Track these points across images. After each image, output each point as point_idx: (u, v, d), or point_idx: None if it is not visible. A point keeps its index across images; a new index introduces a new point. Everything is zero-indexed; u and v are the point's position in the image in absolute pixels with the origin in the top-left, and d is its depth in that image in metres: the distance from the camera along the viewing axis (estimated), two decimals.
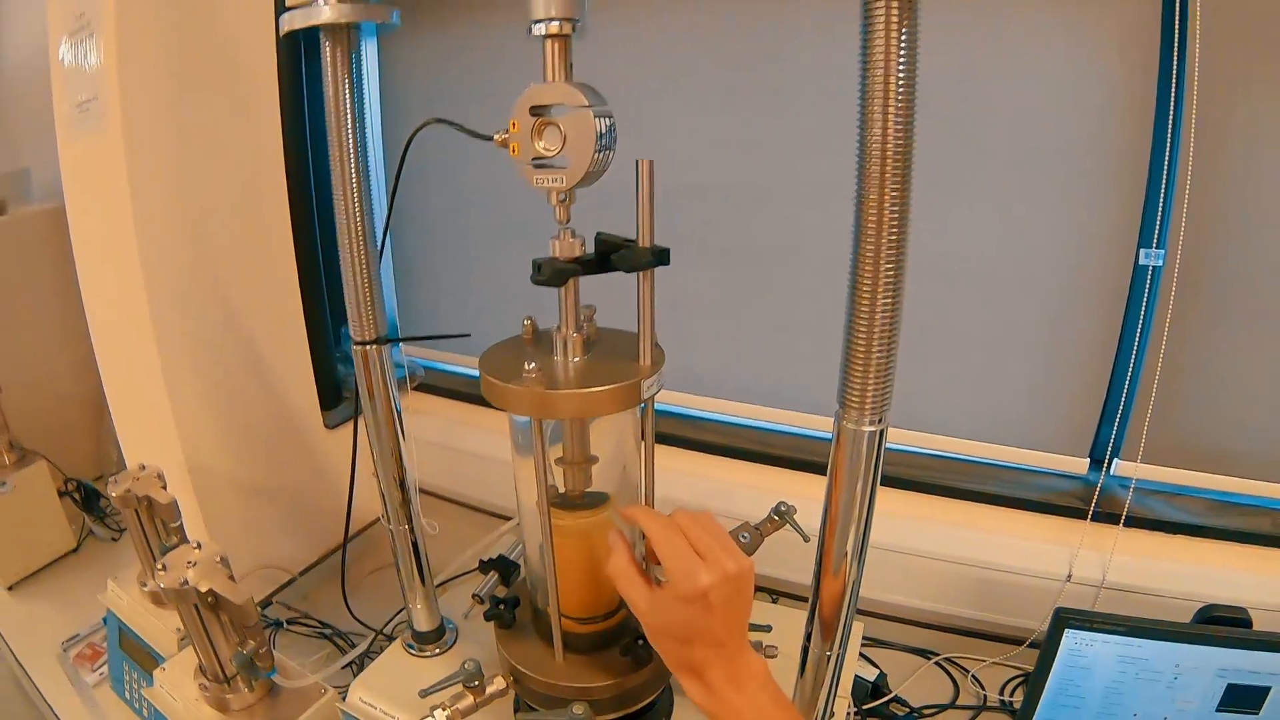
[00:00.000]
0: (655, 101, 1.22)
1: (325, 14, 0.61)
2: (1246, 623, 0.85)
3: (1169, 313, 1.00)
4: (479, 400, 0.61)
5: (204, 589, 0.81)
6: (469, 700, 0.67)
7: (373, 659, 0.89)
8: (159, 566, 0.83)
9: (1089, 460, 1.13)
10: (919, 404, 1.20)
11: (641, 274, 0.58)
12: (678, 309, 1.29)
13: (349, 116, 0.65)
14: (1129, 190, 1.01)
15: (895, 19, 0.43)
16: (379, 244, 0.73)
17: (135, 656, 1.02)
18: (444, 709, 0.67)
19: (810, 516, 0.65)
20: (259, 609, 1.13)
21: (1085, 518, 1.08)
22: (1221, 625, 0.85)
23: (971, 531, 1.13)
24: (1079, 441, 1.13)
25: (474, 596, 0.82)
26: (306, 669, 0.93)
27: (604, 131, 0.55)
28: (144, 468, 1.00)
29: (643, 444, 0.65)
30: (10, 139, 1.54)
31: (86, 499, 1.37)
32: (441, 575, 1.05)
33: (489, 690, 0.68)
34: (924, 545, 1.13)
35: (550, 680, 0.67)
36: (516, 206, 1.32)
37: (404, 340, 1.02)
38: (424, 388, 1.52)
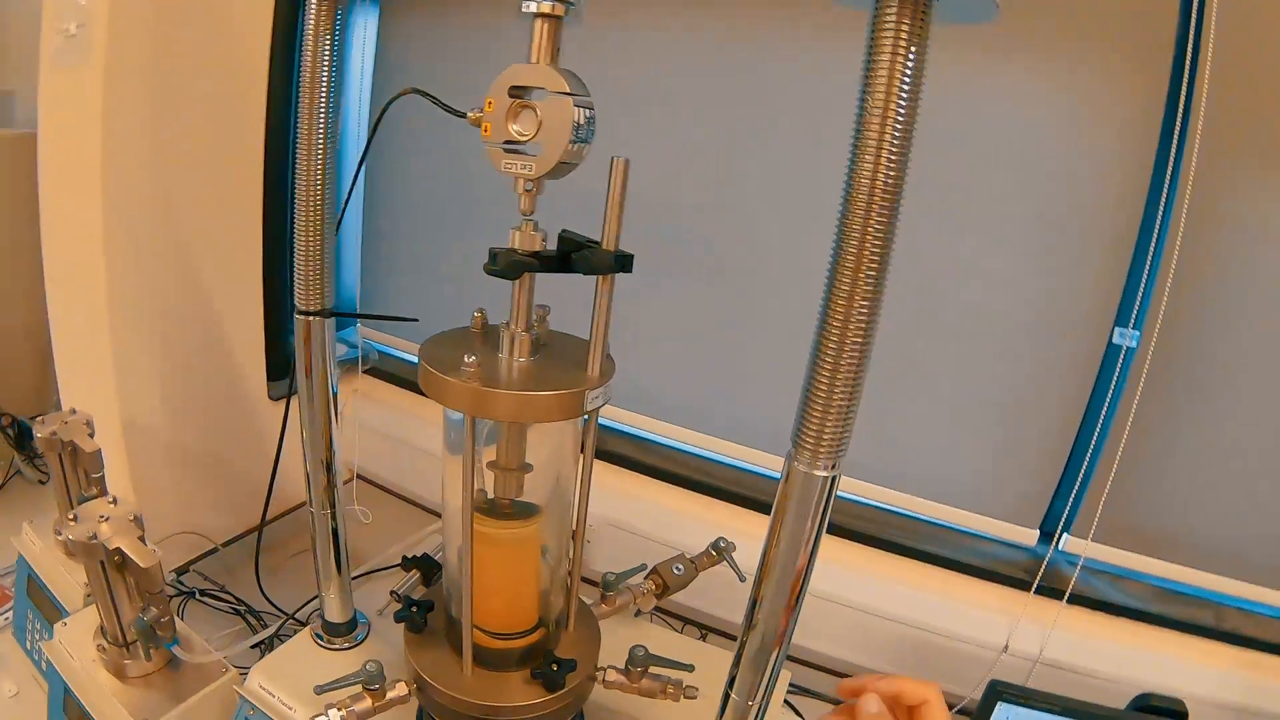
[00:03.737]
0: (633, 111, 1.17)
1: None
2: (1183, 715, 0.81)
3: (1137, 395, 0.96)
4: None
5: (112, 546, 0.75)
6: (367, 703, 0.62)
7: (282, 642, 0.83)
8: (70, 517, 0.77)
9: (1039, 532, 1.09)
10: (872, 454, 1.15)
11: (601, 278, 0.53)
12: (638, 325, 1.24)
13: (325, 69, 0.60)
14: (1112, 267, 0.98)
15: (904, 37, 0.39)
16: (338, 212, 0.68)
17: (41, 606, 0.96)
18: (339, 709, 0.61)
19: (750, 555, 0.60)
20: (170, 576, 1.07)
21: (1029, 590, 1.04)
22: (1158, 715, 0.80)
23: (911, 590, 1.08)
24: (1031, 512, 1.09)
25: (392, 594, 0.77)
26: (213, 644, 0.87)
27: (582, 123, 0.51)
28: (75, 412, 0.93)
29: (581, 458, 0.60)
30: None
31: (19, 436, 1.29)
32: (365, 566, 0.99)
33: (389, 695, 0.63)
34: (861, 598, 1.08)
35: (454, 694, 0.61)
36: (495, 202, 1.26)
37: (349, 316, 0.97)
38: (375, 372, 1.46)
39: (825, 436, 0.48)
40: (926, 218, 1.03)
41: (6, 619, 1.04)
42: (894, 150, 0.41)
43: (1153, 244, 0.94)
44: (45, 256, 1.03)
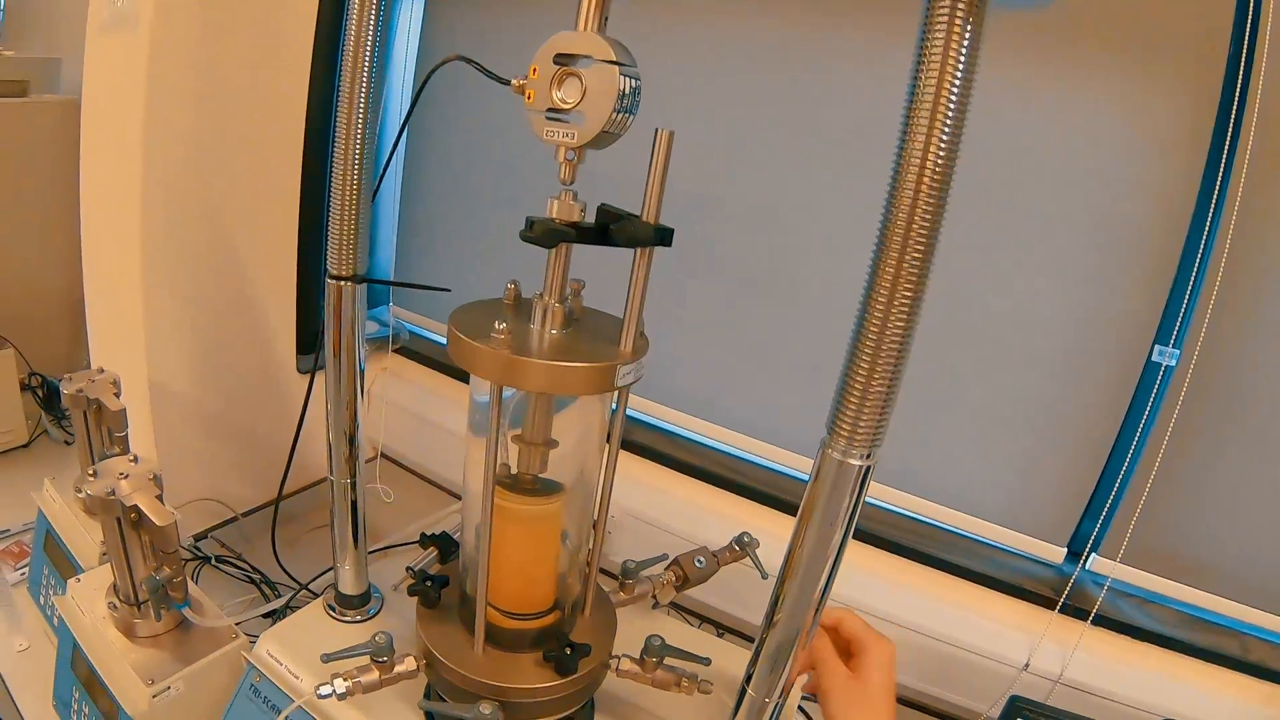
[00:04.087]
0: (681, 101, 1.15)
1: None
2: None
3: (1174, 414, 0.93)
4: (458, 373, 0.55)
5: (129, 503, 0.75)
6: (374, 675, 0.60)
7: (294, 613, 0.82)
8: (90, 472, 0.77)
9: (1066, 550, 1.06)
10: (901, 462, 1.13)
11: (639, 252, 0.51)
12: (674, 319, 1.22)
13: (370, 30, 0.59)
14: (1154, 284, 0.95)
15: (959, 21, 0.37)
16: (376, 179, 0.67)
17: (57, 562, 0.96)
18: (345, 679, 0.60)
19: (774, 554, 0.59)
20: (188, 541, 1.07)
21: (1053, 608, 1.01)
22: None
23: (934, 601, 1.06)
24: (1059, 529, 1.06)
25: (408, 569, 0.75)
26: (226, 611, 0.86)
27: (627, 92, 0.49)
28: (102, 371, 0.94)
29: (607, 447, 0.58)
30: (50, 27, 1.48)
31: (49, 397, 1.30)
32: (384, 542, 0.98)
33: (397, 669, 0.61)
34: (883, 605, 1.05)
35: (464, 671, 0.60)
36: (538, 178, 1.23)
37: (380, 283, 0.96)
38: (405, 351, 1.44)
39: (862, 424, 0.46)
40: (966, 229, 1.00)
41: (23, 574, 1.04)
42: (947, 127, 0.39)
43: (1197, 261, 0.92)
44: (83, 220, 1.03)
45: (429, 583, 0.65)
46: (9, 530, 1.10)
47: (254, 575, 1.05)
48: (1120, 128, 0.92)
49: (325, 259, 0.67)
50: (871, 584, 1.07)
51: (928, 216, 0.40)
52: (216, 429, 1.12)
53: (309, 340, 1.20)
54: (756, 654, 0.56)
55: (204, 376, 1.08)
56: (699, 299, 1.21)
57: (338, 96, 0.62)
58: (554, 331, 0.55)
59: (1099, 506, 1.02)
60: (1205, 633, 0.99)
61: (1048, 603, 1.01)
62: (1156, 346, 0.96)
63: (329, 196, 0.65)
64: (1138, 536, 0.98)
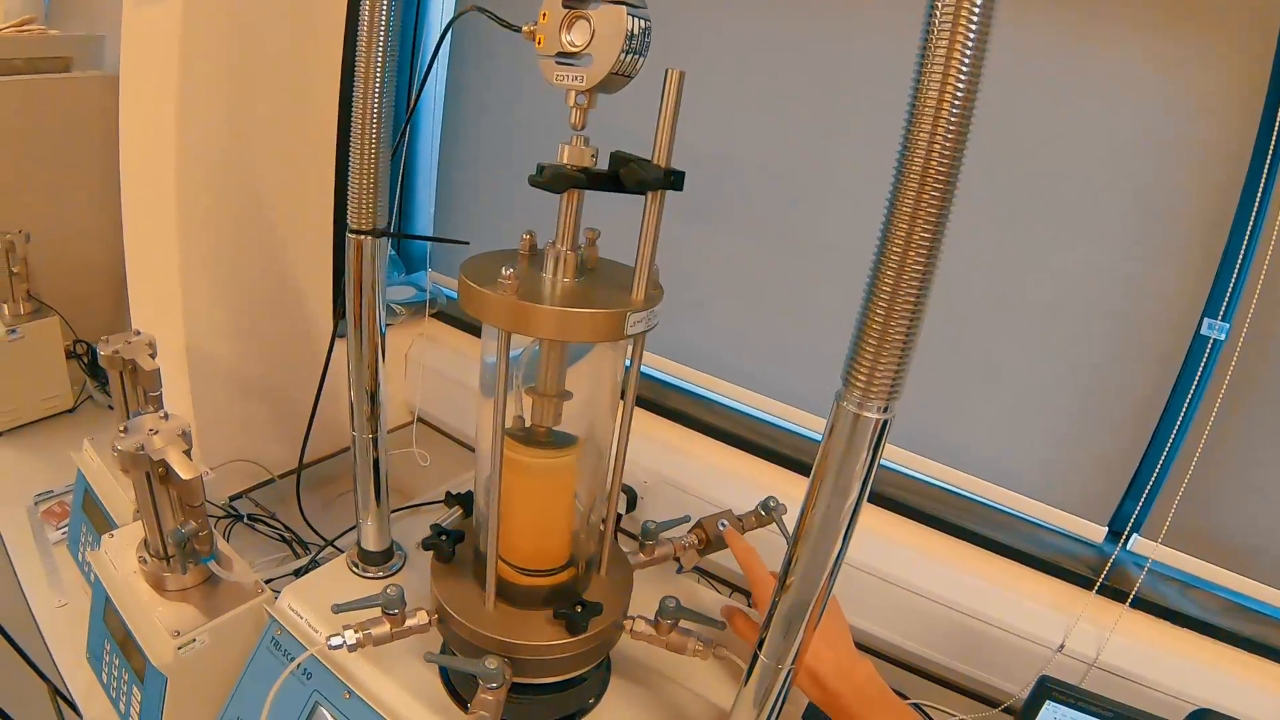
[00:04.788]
0: (701, 55, 1.11)
1: None
2: None
3: (1222, 391, 0.89)
4: None
5: (157, 458, 0.75)
6: (385, 628, 0.60)
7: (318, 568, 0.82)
8: (122, 429, 0.77)
9: (1107, 529, 1.01)
10: (939, 432, 1.09)
11: (650, 197, 0.49)
12: (700, 280, 1.20)
13: None
14: (1203, 256, 0.89)
15: None
16: (399, 134, 0.66)
17: (94, 520, 0.97)
18: (356, 631, 0.59)
19: None
20: (223, 500, 1.08)
21: (1091, 589, 0.96)
22: None
23: (968, 576, 1.02)
24: (1100, 508, 1.01)
25: (432, 527, 0.75)
26: (257, 568, 0.87)
27: (636, 32, 0.47)
28: (139, 333, 0.94)
29: (622, 404, 0.56)
30: (94, 6, 1.51)
31: (93, 363, 1.32)
32: (412, 501, 0.97)
33: (409, 622, 0.60)
34: (914, 578, 1.02)
35: (473, 626, 0.59)
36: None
37: (398, 236, 0.95)
38: (442, 316, 1.44)
39: (879, 374, 0.43)
40: (1005, 198, 0.96)
41: (64, 533, 1.07)
42: (971, 37, 0.36)
43: (1249, 229, 0.86)
44: (123, 189, 1.04)
45: (444, 537, 0.64)
46: (52, 491, 1.12)
47: (285, 534, 1.06)
48: (1166, 85, 0.87)
49: None
50: (903, 556, 1.04)
51: (948, 145, 0.37)
52: (253, 392, 1.13)
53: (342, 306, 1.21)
54: (769, 619, 0.53)
55: (241, 340, 1.09)
56: (725, 258, 1.18)
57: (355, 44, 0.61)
58: (566, 280, 0.53)
59: (1142, 485, 0.97)
60: (1249, 621, 0.94)
61: (1085, 583, 0.97)
62: (1205, 320, 0.91)
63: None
64: (1181, 517, 0.94)
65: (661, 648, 0.63)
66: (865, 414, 0.45)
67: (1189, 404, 0.92)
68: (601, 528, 0.66)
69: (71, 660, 0.91)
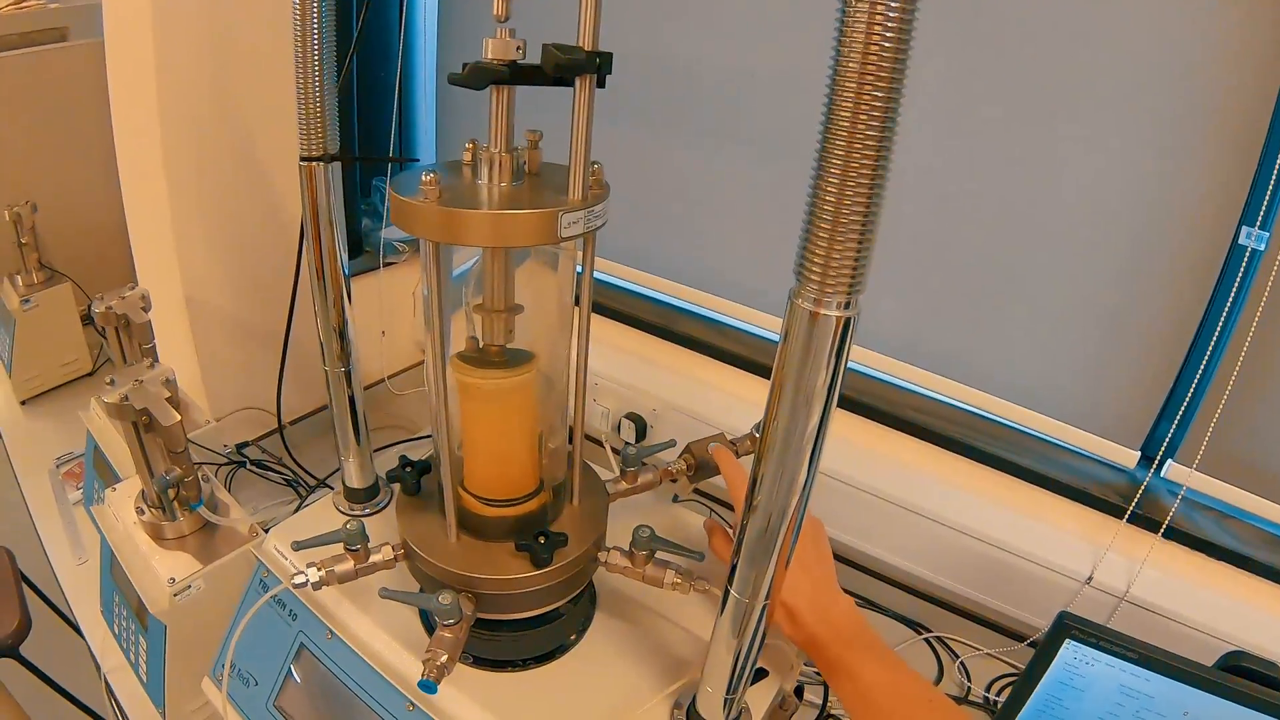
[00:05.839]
0: None
1: None
2: (1275, 682, 0.64)
3: (1261, 305, 0.80)
4: None
5: (139, 407, 0.73)
6: (349, 564, 0.57)
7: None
8: (108, 381, 0.76)
9: (1139, 455, 0.94)
10: (959, 351, 1.02)
11: (579, 85, 0.44)
12: (709, 201, 1.14)
13: None
14: (1240, 159, 0.80)
15: None
16: (347, 55, 0.61)
17: (103, 475, 0.98)
18: (320, 569, 0.56)
19: None
20: (229, 448, 1.07)
21: (1121, 517, 0.89)
22: (1248, 679, 0.64)
23: (992, 504, 0.96)
24: (1132, 431, 0.93)
25: (400, 458, 0.72)
26: (260, 512, 0.86)
27: None
28: (132, 288, 0.93)
29: (577, 309, 0.52)
30: None
31: None
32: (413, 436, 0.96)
33: (373, 559, 0.57)
34: (936, 507, 0.96)
35: (433, 560, 0.55)
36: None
37: (347, 160, 0.91)
38: None
39: (834, 262, 0.37)
40: (1028, 101, 0.88)
41: (81, 492, 1.07)
42: None
43: None
44: (118, 152, 1.03)
45: (409, 468, 0.61)
46: (72, 453, 1.13)
47: (290, 478, 1.05)
48: None
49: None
50: (923, 483, 0.98)
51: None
52: (257, 340, 1.11)
53: (351, 245, 1.18)
54: (738, 546, 0.48)
55: (240, 289, 1.07)
56: (733, 177, 1.12)
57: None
58: (502, 185, 0.48)
59: (1176, 407, 0.89)
60: None
61: (1116, 511, 0.90)
62: (1243, 228, 0.82)
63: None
64: (1218, 442, 0.86)
65: (638, 580, 0.59)
66: (823, 311, 0.38)
67: (1225, 319, 0.84)
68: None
69: (90, 615, 0.92)
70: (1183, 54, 0.80)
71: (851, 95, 0.33)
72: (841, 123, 0.33)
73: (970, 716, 0.88)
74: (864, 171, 0.34)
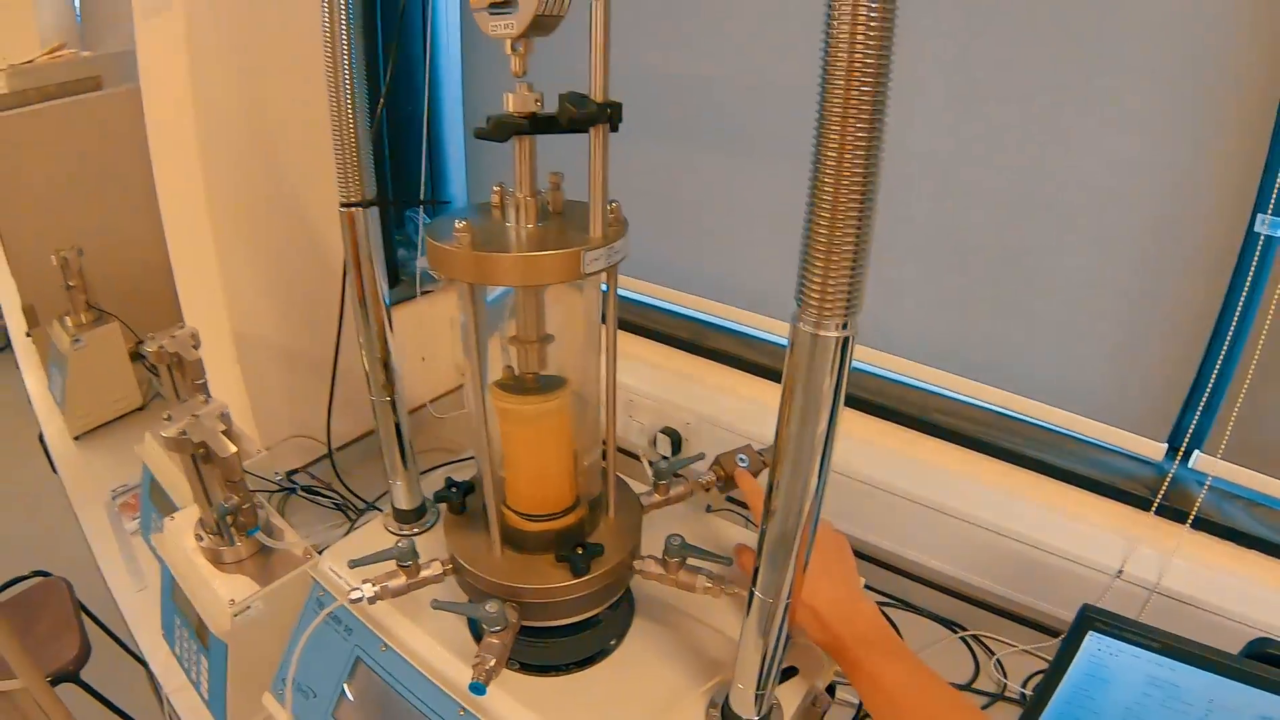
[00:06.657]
0: None
1: None
2: None
3: (1278, 292, 0.83)
4: None
5: (196, 440, 0.80)
6: (401, 580, 0.62)
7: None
8: (165, 417, 0.83)
9: (1166, 447, 0.96)
10: (981, 350, 1.05)
11: (593, 133, 0.49)
12: (736, 215, 1.19)
13: None
14: (1254, 139, 0.82)
15: None
16: (376, 107, 0.67)
17: (160, 506, 1.04)
18: (374, 584, 0.62)
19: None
20: (280, 475, 1.13)
21: (1149, 510, 0.92)
22: (1274, 666, 0.67)
23: (1022, 502, 0.99)
24: (1158, 423, 0.96)
25: (446, 480, 0.77)
26: (313, 536, 0.91)
27: None
28: (182, 326, 1.00)
29: (604, 329, 0.57)
30: (123, 21, 1.57)
31: None
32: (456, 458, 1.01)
33: (424, 573, 0.63)
34: (966, 507, 0.99)
35: (480, 573, 0.61)
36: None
37: (384, 205, 0.97)
38: None
39: (830, 289, 0.42)
40: (1040, 90, 0.91)
41: (139, 523, 1.14)
42: None
43: None
44: (158, 191, 1.10)
45: (454, 489, 0.67)
46: (127, 485, 1.20)
47: (340, 502, 1.12)
48: None
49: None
50: (953, 484, 1.02)
51: (874, 35, 0.35)
52: (304, 370, 1.17)
53: (389, 275, 1.24)
54: (760, 550, 0.53)
55: (284, 322, 1.13)
56: (767, 192, 1.16)
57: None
58: (528, 226, 0.53)
59: (1199, 396, 0.92)
60: None
61: (1144, 504, 0.93)
62: (1258, 215, 0.85)
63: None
64: (1243, 430, 0.88)
65: (672, 586, 0.64)
66: (823, 333, 0.44)
67: (1242, 306, 0.86)
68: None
69: (151, 639, 0.98)
70: (1192, 35, 0.82)
71: (835, 141, 0.37)
72: (829, 162, 0.38)
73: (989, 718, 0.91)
74: (852, 205, 0.39)
